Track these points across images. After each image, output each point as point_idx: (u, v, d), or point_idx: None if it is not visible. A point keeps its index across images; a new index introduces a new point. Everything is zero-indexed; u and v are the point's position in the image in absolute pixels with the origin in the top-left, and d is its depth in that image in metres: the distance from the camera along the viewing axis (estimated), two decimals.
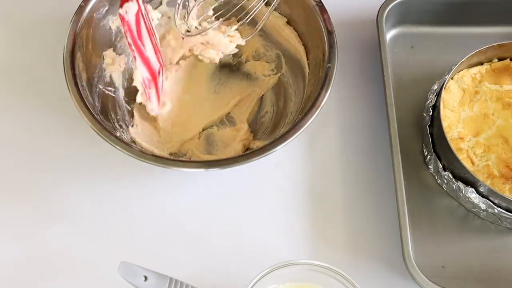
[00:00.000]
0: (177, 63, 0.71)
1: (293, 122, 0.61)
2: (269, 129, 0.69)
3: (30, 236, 0.64)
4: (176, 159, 0.64)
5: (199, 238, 0.64)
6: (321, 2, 0.65)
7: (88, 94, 0.62)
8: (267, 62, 0.73)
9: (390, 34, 0.76)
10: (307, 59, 0.68)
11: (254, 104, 0.71)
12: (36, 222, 0.64)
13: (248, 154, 0.59)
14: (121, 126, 0.66)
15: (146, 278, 0.52)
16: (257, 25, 0.66)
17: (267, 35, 0.72)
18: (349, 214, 0.65)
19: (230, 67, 0.73)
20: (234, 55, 0.72)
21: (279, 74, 0.72)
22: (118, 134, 0.62)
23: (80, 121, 0.60)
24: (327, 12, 0.65)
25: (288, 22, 0.70)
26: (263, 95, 0.72)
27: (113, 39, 0.68)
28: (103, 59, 0.67)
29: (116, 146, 0.58)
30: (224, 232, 0.64)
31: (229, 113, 0.71)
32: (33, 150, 0.69)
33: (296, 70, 0.70)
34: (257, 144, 0.67)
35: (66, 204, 0.66)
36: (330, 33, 0.64)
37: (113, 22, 0.68)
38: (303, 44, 0.69)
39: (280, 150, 0.68)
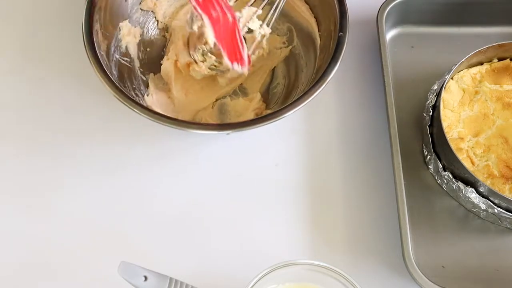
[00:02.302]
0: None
1: (304, 91, 0.62)
2: (281, 99, 0.70)
3: (29, 236, 0.64)
4: (192, 122, 0.65)
5: (199, 238, 0.64)
6: None
7: (107, 63, 0.64)
8: (279, 36, 0.74)
9: (390, 34, 0.76)
10: (319, 31, 0.69)
11: (266, 76, 0.73)
12: (35, 222, 0.64)
13: (260, 118, 0.60)
14: (136, 95, 0.67)
15: (146, 278, 0.52)
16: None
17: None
18: (349, 214, 0.66)
19: (244, 40, 0.74)
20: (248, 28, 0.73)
21: (290, 47, 0.73)
22: None
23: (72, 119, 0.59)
24: None
25: None
26: (275, 67, 0.73)
27: (129, 11, 0.70)
28: (120, 30, 0.69)
29: (135, 109, 0.59)
30: (224, 232, 0.64)
31: (241, 84, 0.72)
32: (32, 147, 0.69)
33: (308, 42, 0.71)
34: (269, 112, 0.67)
35: (65, 203, 0.66)
36: (341, 2, 0.65)
37: None
38: (315, 17, 0.70)
39: (280, 150, 0.69)
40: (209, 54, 0.66)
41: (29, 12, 0.77)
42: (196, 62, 0.68)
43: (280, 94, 0.71)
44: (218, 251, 0.63)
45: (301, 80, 0.69)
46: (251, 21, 0.67)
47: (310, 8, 0.71)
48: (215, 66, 0.67)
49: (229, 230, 0.65)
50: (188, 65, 0.69)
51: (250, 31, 0.68)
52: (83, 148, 0.69)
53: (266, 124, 0.59)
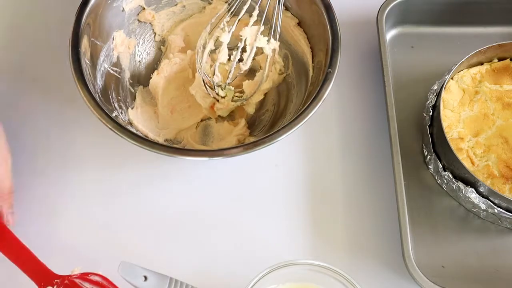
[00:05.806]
0: (184, 51, 0.72)
1: (288, 122, 0.61)
2: (266, 128, 0.69)
3: (29, 236, 0.64)
4: (167, 145, 0.63)
5: (199, 238, 0.64)
6: (330, 6, 0.65)
7: (91, 72, 0.62)
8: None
9: (390, 34, 0.76)
10: (312, 62, 0.68)
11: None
12: (35, 222, 0.64)
13: (229, 148, 0.59)
14: (120, 107, 0.66)
15: (146, 278, 0.52)
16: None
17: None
18: (349, 214, 0.66)
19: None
20: (243, 51, 0.72)
21: (284, 75, 0.72)
22: (114, 115, 0.62)
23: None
24: (335, 16, 0.65)
25: (299, 24, 0.70)
26: (266, 93, 0.72)
27: (125, 21, 0.69)
28: (113, 39, 0.67)
29: (107, 125, 0.58)
30: (224, 232, 0.64)
31: None
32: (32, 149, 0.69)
33: (301, 72, 0.70)
34: (252, 140, 0.67)
35: (65, 203, 0.66)
36: (335, 38, 0.64)
37: (127, 5, 0.68)
38: (311, 47, 0.69)
39: (280, 151, 0.69)
40: (227, 87, 0.66)
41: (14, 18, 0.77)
42: (218, 100, 0.67)
43: (267, 122, 0.70)
44: (218, 251, 0.63)
45: (289, 110, 0.68)
46: (258, 40, 0.66)
47: (308, 38, 0.69)
48: (238, 96, 0.67)
49: (229, 230, 0.65)
50: (212, 107, 0.69)
51: (258, 51, 0.67)
52: (81, 146, 0.69)
53: (234, 156, 0.58)
